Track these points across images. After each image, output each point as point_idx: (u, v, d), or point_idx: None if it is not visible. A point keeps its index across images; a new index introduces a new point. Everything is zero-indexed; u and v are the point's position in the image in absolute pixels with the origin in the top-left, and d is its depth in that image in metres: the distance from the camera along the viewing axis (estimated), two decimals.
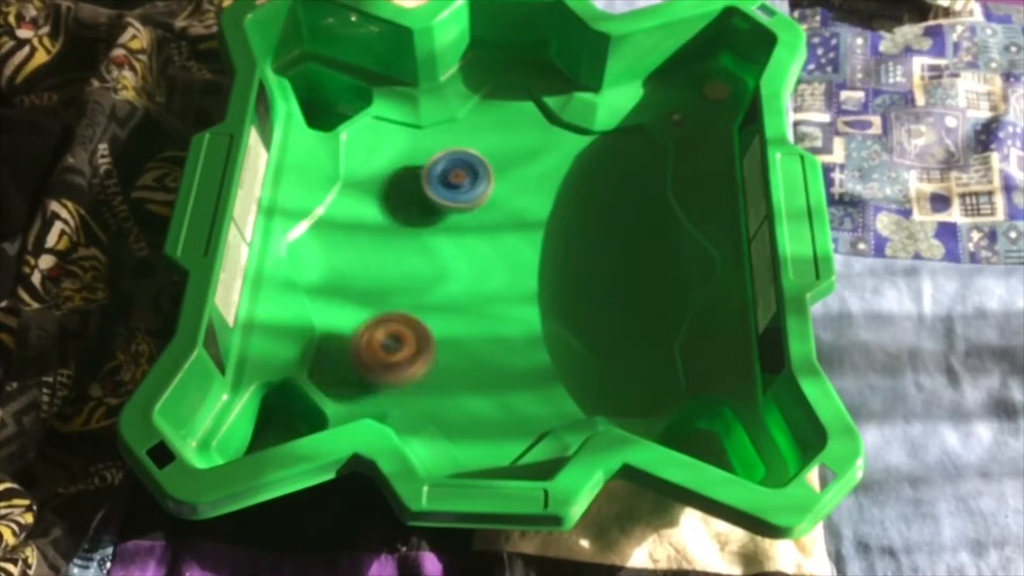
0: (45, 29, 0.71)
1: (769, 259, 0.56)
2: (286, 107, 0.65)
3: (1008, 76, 0.72)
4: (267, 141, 0.63)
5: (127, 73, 0.67)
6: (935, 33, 0.74)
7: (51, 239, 0.60)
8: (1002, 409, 0.59)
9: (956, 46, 0.74)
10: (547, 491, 0.48)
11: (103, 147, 0.64)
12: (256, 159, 0.61)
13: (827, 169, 0.68)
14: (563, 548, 0.54)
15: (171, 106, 0.69)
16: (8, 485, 0.53)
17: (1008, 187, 0.67)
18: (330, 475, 0.50)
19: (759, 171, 0.59)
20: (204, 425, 0.53)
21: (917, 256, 0.65)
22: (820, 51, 0.74)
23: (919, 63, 0.73)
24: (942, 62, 0.73)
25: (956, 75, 0.72)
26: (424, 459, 0.52)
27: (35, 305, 0.58)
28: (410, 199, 0.63)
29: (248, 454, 0.54)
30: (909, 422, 0.59)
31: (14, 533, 0.52)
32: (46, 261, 0.59)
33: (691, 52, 0.67)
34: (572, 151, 0.66)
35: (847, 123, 0.70)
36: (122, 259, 0.62)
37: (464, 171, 0.62)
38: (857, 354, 0.61)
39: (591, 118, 0.66)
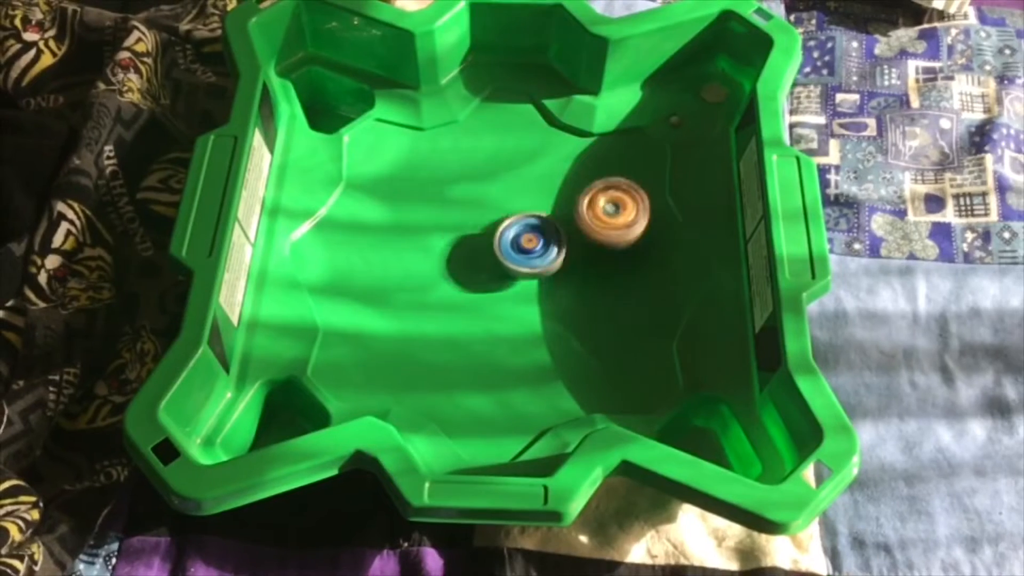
0: (51, 32, 0.71)
1: (766, 259, 0.56)
2: (289, 109, 0.66)
3: (1002, 78, 0.72)
4: (271, 143, 0.63)
5: (132, 76, 0.67)
6: (930, 36, 0.75)
7: (57, 239, 0.60)
8: (996, 407, 0.60)
9: (950, 49, 0.74)
10: (547, 487, 0.49)
11: (108, 149, 0.64)
12: (260, 160, 0.61)
13: (823, 170, 0.68)
14: (563, 544, 0.55)
15: (176, 108, 0.70)
16: (15, 482, 0.53)
17: (1002, 188, 0.67)
18: (333, 471, 0.50)
19: (755, 172, 0.60)
20: (208, 422, 0.54)
21: (912, 256, 0.65)
22: (816, 54, 0.74)
23: (914, 66, 0.73)
24: (936, 65, 0.73)
25: (950, 77, 0.72)
26: (425, 456, 0.53)
27: (41, 304, 0.59)
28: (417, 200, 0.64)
29: (252, 451, 0.55)
30: (904, 420, 0.59)
31: (20, 530, 0.52)
32: (52, 261, 0.60)
33: (689, 55, 0.67)
34: (571, 153, 0.66)
35: (842, 125, 0.71)
36: (127, 259, 0.63)
37: (536, 235, 0.61)
38: (852, 353, 0.61)
39: (590, 120, 0.67)
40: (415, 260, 0.62)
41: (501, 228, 0.61)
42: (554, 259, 0.60)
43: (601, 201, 0.61)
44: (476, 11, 0.67)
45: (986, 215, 0.66)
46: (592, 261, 0.62)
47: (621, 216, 0.60)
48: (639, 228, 0.60)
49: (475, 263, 0.62)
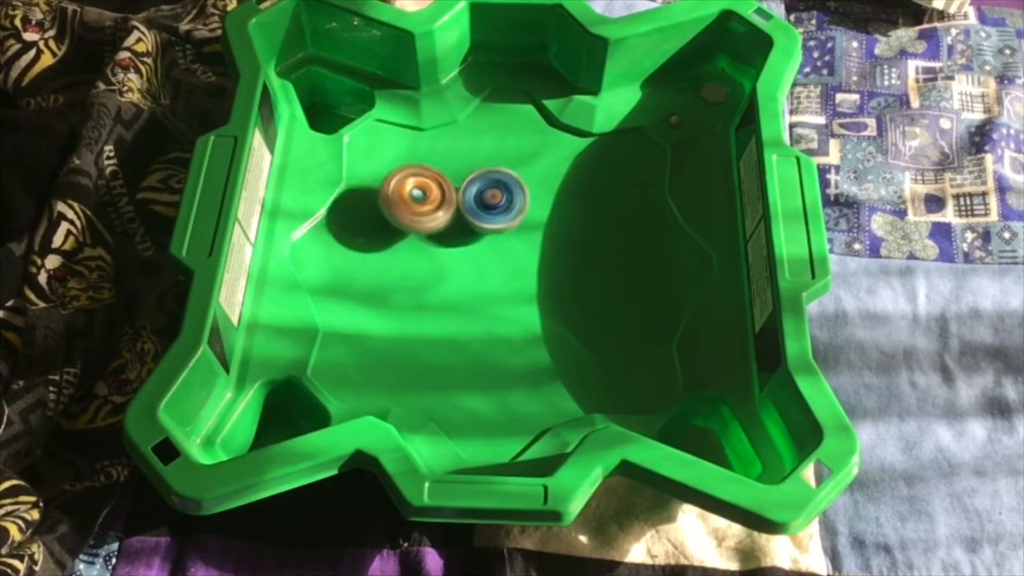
0: (51, 32, 0.71)
1: (766, 259, 0.56)
2: (289, 110, 0.66)
3: (1002, 78, 0.72)
4: (271, 143, 0.64)
5: (132, 76, 0.67)
6: (930, 36, 0.75)
7: (57, 239, 0.60)
8: (996, 407, 0.60)
9: (950, 49, 0.74)
10: (547, 487, 0.49)
11: (108, 149, 0.65)
12: (260, 161, 0.61)
13: (823, 170, 0.68)
14: (562, 544, 0.55)
15: (176, 108, 0.70)
16: (15, 482, 0.53)
17: (1002, 188, 0.67)
18: (333, 471, 0.50)
19: (755, 172, 0.60)
20: (208, 422, 0.54)
21: (912, 256, 0.65)
22: (816, 54, 0.75)
23: (914, 66, 0.74)
24: (937, 65, 0.74)
25: (950, 77, 0.72)
26: (425, 456, 0.53)
27: (41, 304, 0.59)
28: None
29: (252, 451, 0.55)
30: (904, 420, 0.59)
31: (20, 529, 0.52)
32: (52, 261, 0.60)
33: (689, 55, 0.67)
34: (571, 153, 0.67)
35: (842, 125, 0.71)
36: (128, 259, 0.63)
37: (499, 191, 0.62)
38: (852, 353, 0.61)
39: (590, 120, 0.67)
40: (414, 260, 0.62)
41: (464, 185, 0.62)
42: (517, 213, 0.61)
43: (408, 185, 0.61)
44: (476, 11, 0.67)
45: (986, 215, 0.67)
46: (592, 261, 0.62)
47: (426, 203, 0.61)
48: (442, 218, 0.61)
49: (475, 262, 0.62)
